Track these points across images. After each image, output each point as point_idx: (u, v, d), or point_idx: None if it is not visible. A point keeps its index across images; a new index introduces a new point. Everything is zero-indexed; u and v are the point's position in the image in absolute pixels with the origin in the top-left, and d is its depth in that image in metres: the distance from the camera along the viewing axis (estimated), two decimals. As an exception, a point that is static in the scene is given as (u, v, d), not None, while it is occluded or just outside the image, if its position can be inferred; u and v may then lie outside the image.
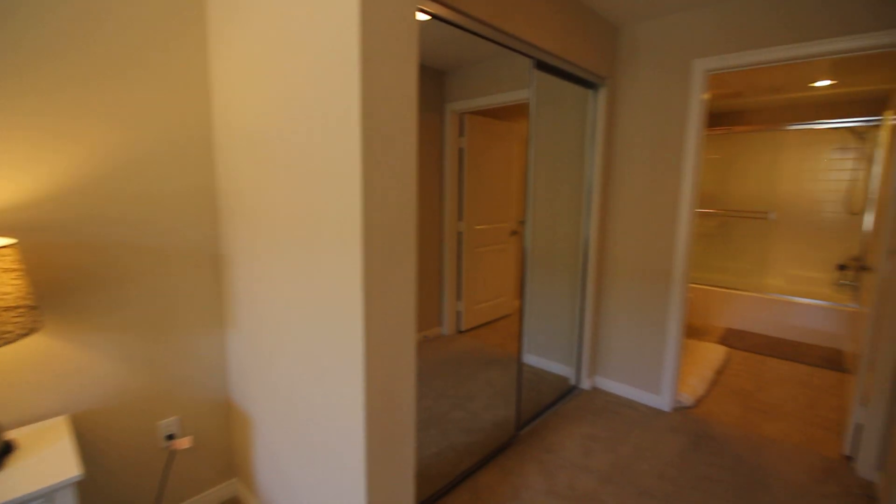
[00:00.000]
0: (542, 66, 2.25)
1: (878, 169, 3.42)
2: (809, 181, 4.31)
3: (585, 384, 2.93)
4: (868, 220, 3.52)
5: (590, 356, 2.92)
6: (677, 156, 2.52)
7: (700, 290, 4.37)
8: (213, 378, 1.77)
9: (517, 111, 2.66)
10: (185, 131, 1.59)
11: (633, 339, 2.79)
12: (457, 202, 3.02)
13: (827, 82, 3.44)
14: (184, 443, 1.68)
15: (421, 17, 1.58)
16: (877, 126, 3.78)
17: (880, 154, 3.40)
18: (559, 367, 3.05)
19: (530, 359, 3.23)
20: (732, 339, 3.90)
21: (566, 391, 2.88)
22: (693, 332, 4.09)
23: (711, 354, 3.46)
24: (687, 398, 2.74)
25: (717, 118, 4.80)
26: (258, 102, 1.37)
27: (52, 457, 1.18)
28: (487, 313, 3.28)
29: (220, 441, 1.83)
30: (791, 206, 4.42)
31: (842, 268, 4.11)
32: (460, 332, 3.17)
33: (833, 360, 3.44)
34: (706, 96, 2.44)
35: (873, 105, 3.96)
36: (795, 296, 3.99)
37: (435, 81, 2.73)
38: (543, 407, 2.68)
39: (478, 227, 3.16)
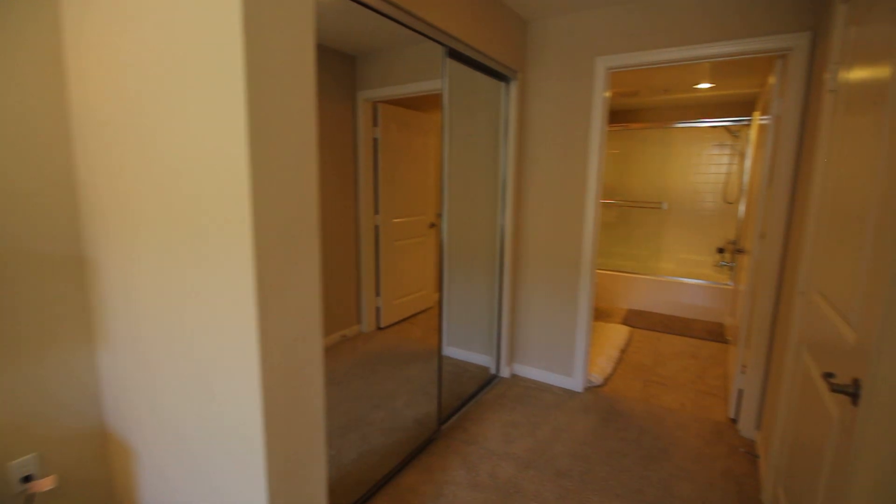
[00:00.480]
0: (455, 55, 2.21)
1: (748, 163, 3.89)
2: (694, 174, 4.81)
3: (505, 372, 2.99)
4: (741, 209, 4.00)
5: (508, 344, 2.99)
6: (583, 150, 2.64)
7: (604, 275, 4.69)
8: (83, 404, 1.50)
9: (433, 102, 2.60)
10: (24, 110, 1.30)
11: (548, 325, 2.89)
12: (372, 195, 2.89)
13: (707, 85, 3.83)
14: (45, 483, 1.40)
15: (321, -10, 1.44)
16: (747, 125, 4.30)
17: (750, 150, 3.87)
18: (480, 358, 3.08)
19: (452, 351, 3.23)
20: (633, 319, 4.24)
21: (487, 381, 2.92)
22: (599, 314, 4.38)
23: (616, 335, 3.72)
24: (596, 378, 2.91)
25: (617, 115, 5.16)
26: (126, 78, 1.15)
27: None
28: (408, 308, 3.22)
29: (96, 476, 1.56)
30: (679, 197, 4.90)
31: (720, 251, 4.64)
32: (380, 328, 3.07)
33: (716, 333, 3.88)
34: (608, 94, 2.57)
35: (745, 107, 4.50)
36: (684, 277, 4.44)
37: (345, 67, 2.57)
38: (465, 398, 2.68)
39: (395, 220, 3.07)
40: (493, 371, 3.02)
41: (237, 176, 0.93)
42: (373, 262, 2.97)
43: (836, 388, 1.05)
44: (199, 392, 1.16)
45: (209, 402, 1.13)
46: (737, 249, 3.06)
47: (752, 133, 3.86)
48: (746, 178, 3.96)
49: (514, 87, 2.69)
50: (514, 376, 3.02)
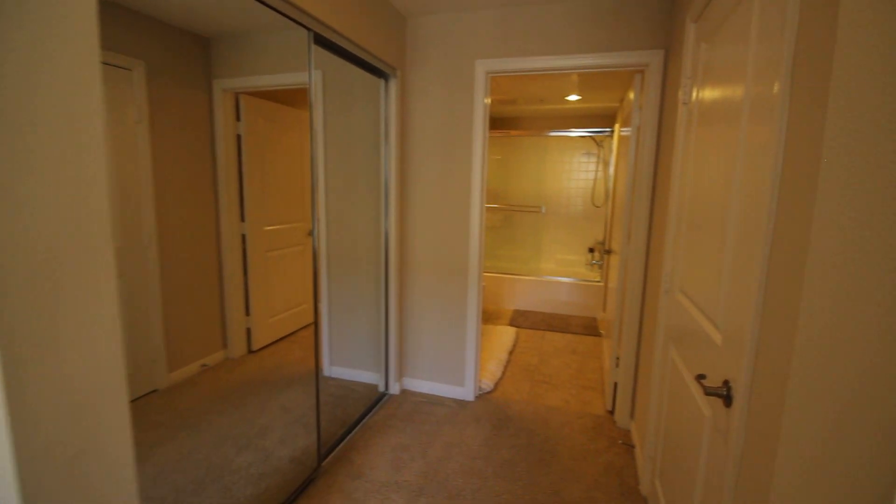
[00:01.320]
0: (323, 42, 1.97)
1: (612, 170, 4.27)
2: (566, 180, 5.16)
3: (395, 389, 2.81)
4: (608, 212, 4.37)
5: (397, 358, 2.81)
6: (467, 154, 2.58)
7: (491, 277, 4.78)
8: None
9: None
10: None
11: (437, 334, 2.78)
12: (237, 199, 2.50)
13: (576, 97, 4.11)
14: None
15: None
16: (609, 136, 4.73)
17: (613, 158, 4.24)
18: (367, 375, 2.86)
19: (336, 371, 2.95)
20: (519, 319, 4.38)
21: (375, 400, 2.70)
22: (487, 316, 4.44)
23: (504, 336, 3.78)
24: (487, 384, 2.89)
25: (498, 123, 5.33)
26: None
27: None
28: (286, 325, 2.86)
29: None
30: (555, 201, 5.22)
31: (591, 251, 5.04)
32: (252, 351, 2.67)
33: (591, 328, 4.18)
34: (488, 100, 2.54)
35: (607, 119, 4.96)
36: (562, 276, 4.72)
37: (194, 49, 2.16)
38: (351, 424, 2.44)
39: (267, 227, 2.70)
40: (381, 389, 2.81)
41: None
42: (240, 276, 2.57)
43: (710, 392, 1.06)
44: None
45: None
46: (606, 250, 3.30)
47: (615, 143, 4.24)
48: (611, 183, 4.34)
49: (393, 86, 2.53)
50: (404, 392, 2.85)
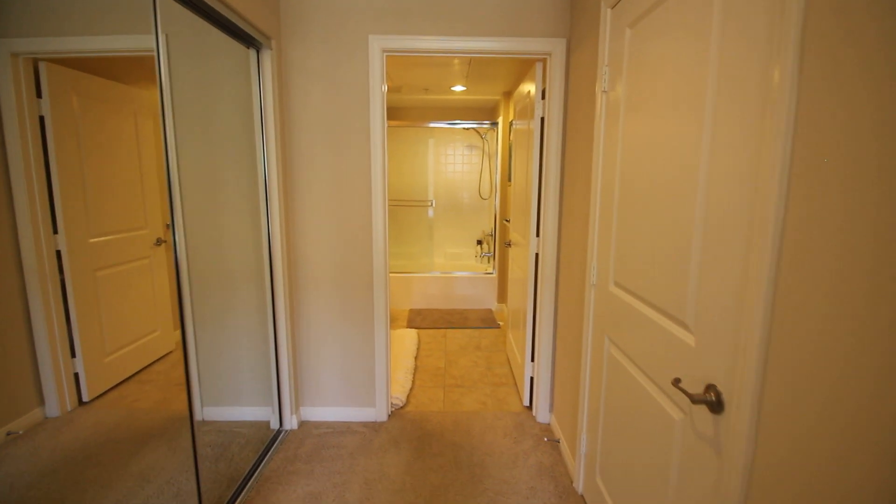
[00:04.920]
0: (175, -11, 1.47)
1: (497, 163, 4.30)
2: (452, 172, 5.10)
3: (291, 423, 2.37)
4: (496, 204, 4.40)
5: (292, 386, 2.37)
6: (364, 146, 2.26)
7: (384, 278, 4.50)
8: None
9: (150, 69, 1.75)
10: None
11: (341, 351, 2.43)
12: (47, 204, 1.79)
13: (461, 88, 4.01)
14: None
15: None
16: (493, 128, 4.78)
17: (499, 151, 4.28)
18: (254, 412, 2.36)
19: (212, 412, 2.38)
20: (417, 319, 4.18)
21: (270, 441, 2.24)
22: (384, 320, 4.15)
23: (407, 340, 3.55)
24: (399, 398, 2.63)
25: (377, 111, 5.01)
26: None
27: None
28: (132, 361, 2.20)
29: None
30: (443, 194, 5.13)
31: (479, 243, 5.08)
32: (84, 403, 1.99)
33: (489, 320, 4.18)
34: (385, 87, 2.25)
35: (488, 112, 5.00)
36: (454, 270, 4.66)
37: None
38: (242, 478, 1.97)
39: (95, 239, 2.01)
40: (275, 425, 2.35)
41: None
42: (59, 306, 1.87)
43: (696, 400, 0.98)
44: None
45: None
46: (506, 242, 3.28)
47: (499, 136, 4.27)
48: (497, 176, 4.38)
49: (268, 59, 2.07)
50: (303, 425, 2.43)
